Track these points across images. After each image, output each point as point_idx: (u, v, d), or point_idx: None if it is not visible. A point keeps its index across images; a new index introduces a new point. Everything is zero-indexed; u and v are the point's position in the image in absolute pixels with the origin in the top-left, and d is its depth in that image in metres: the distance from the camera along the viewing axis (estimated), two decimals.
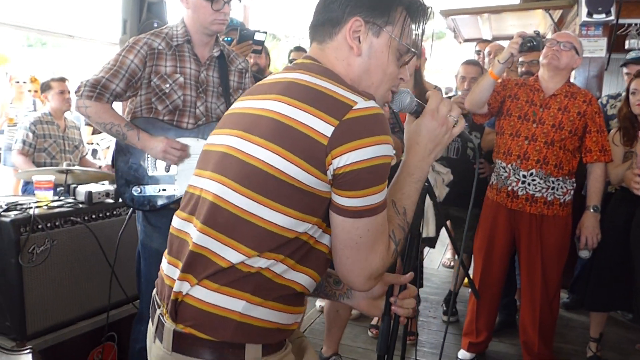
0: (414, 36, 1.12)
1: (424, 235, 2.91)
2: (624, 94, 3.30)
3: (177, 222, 1.13)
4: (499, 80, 2.71)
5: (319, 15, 1.11)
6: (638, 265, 2.47)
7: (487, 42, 5.19)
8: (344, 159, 0.93)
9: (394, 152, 1.02)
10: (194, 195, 1.10)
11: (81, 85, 2.02)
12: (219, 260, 1.00)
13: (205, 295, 1.01)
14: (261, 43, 2.76)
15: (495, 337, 3.19)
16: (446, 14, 5.13)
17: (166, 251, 1.16)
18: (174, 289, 1.04)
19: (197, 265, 1.02)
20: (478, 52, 4.99)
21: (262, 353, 1.02)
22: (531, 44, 2.51)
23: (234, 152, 1.01)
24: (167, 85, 2.07)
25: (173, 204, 2.11)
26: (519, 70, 3.57)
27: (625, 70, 3.53)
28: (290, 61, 2.67)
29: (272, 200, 0.97)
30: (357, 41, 1.07)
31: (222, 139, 1.07)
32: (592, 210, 2.68)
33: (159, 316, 1.08)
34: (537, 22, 5.95)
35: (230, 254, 0.99)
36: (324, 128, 0.94)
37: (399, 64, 1.12)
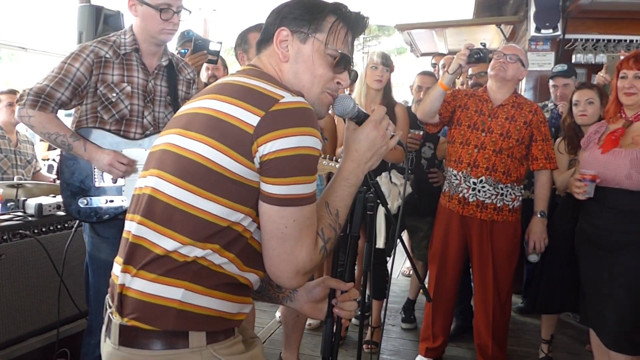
0: (346, 42, 1.19)
1: (378, 246, 2.96)
2: (550, 104, 3.46)
3: (126, 225, 1.16)
4: (449, 91, 2.80)
5: (262, 33, 1.22)
6: (583, 268, 2.56)
7: (442, 55, 5.35)
8: (269, 147, 0.99)
9: (321, 146, 1.06)
10: (137, 196, 1.15)
11: (24, 94, 1.96)
12: (155, 248, 1.04)
13: (143, 285, 1.04)
14: (216, 53, 2.77)
15: (452, 342, 3.26)
16: (401, 28, 5.27)
17: (117, 255, 1.18)
18: (118, 282, 1.08)
19: (136, 255, 1.06)
20: (434, 65, 5.13)
21: (206, 340, 1.04)
22: (478, 55, 2.62)
23: (172, 148, 1.08)
24: (114, 95, 2.04)
25: (121, 215, 2.08)
26: (469, 82, 3.69)
27: (552, 82, 3.68)
28: None
29: (204, 190, 1.01)
30: (285, 49, 1.16)
31: (163, 139, 1.13)
32: (539, 216, 2.79)
33: (108, 315, 1.11)
34: (491, 36, 6.17)
35: (166, 242, 1.03)
36: (250, 118, 1.00)
37: (332, 68, 1.17)
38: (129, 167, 2.03)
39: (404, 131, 3.04)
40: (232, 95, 1.05)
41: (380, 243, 2.96)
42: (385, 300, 3.30)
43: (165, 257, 1.03)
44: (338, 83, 1.20)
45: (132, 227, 1.11)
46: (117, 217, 2.08)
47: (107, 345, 1.10)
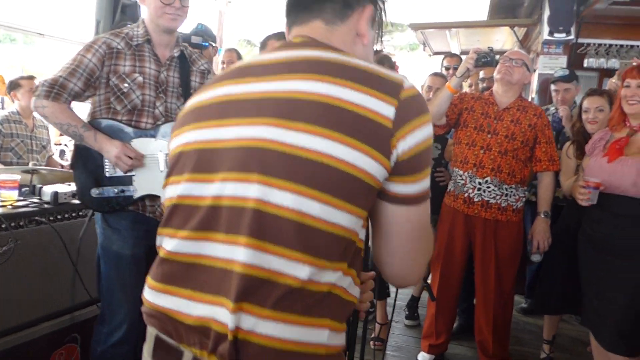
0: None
1: None
2: (552, 108, 3.48)
3: (174, 243, 0.91)
4: (457, 94, 2.85)
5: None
6: (584, 272, 2.59)
7: (455, 56, 5.37)
8: (408, 142, 0.84)
9: None
10: (201, 207, 0.88)
11: (39, 85, 2.01)
12: (284, 279, 0.81)
13: (279, 330, 0.81)
14: (198, 46, 2.79)
15: (455, 340, 3.30)
16: (415, 27, 5.29)
17: (160, 283, 0.92)
18: (229, 326, 0.81)
19: (256, 290, 0.82)
20: (447, 68, 5.15)
21: None
22: (485, 59, 2.66)
23: (275, 146, 0.83)
24: (126, 85, 2.06)
25: (132, 206, 2.12)
26: (480, 85, 3.73)
27: (553, 87, 3.70)
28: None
29: (338, 198, 0.82)
30: (367, 30, 1.00)
31: (242, 132, 0.87)
32: (543, 216, 2.83)
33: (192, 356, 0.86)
34: (504, 38, 6.16)
35: (298, 269, 0.81)
36: (384, 109, 0.83)
37: None
38: (136, 160, 2.06)
39: None
40: (349, 78, 0.85)
41: None
42: (390, 299, 3.38)
43: (301, 290, 0.82)
44: None
45: (232, 252, 0.84)
46: (127, 207, 2.11)
47: None
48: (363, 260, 0.94)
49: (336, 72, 0.85)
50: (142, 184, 2.11)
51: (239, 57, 3.69)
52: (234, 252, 0.83)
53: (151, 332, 0.93)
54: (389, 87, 0.85)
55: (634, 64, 2.99)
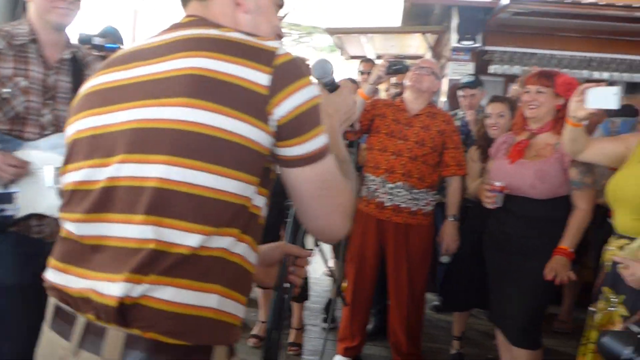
0: None
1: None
2: (460, 112, 3.64)
3: (72, 226, 0.95)
4: (369, 100, 2.90)
5: None
6: (490, 270, 2.71)
7: (369, 61, 5.49)
8: (285, 106, 0.89)
9: None
10: (94, 190, 0.92)
11: None
12: (177, 249, 0.86)
13: (172, 294, 0.86)
14: (100, 48, 2.66)
15: (370, 341, 3.36)
16: (331, 32, 5.36)
17: (60, 262, 0.96)
18: (116, 294, 0.85)
19: (150, 261, 0.86)
20: (362, 72, 5.25)
21: (227, 356, 0.92)
22: (396, 67, 2.73)
23: (154, 124, 0.88)
24: (6, 90, 1.80)
25: (14, 227, 1.84)
26: (393, 91, 3.83)
27: (460, 93, 3.88)
28: None
29: (221, 166, 0.86)
30: None
31: (124, 115, 0.92)
32: (451, 219, 2.95)
33: (85, 324, 0.90)
34: (417, 43, 6.38)
35: (190, 238, 0.86)
36: (259, 77, 0.88)
37: (278, 16, 1.13)
38: (20, 169, 1.79)
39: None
40: (223, 51, 0.90)
41: (310, 243, 3.01)
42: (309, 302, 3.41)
43: (191, 257, 0.86)
44: (277, 35, 1.15)
45: (113, 229, 0.89)
46: (7, 229, 1.82)
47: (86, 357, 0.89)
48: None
49: (211, 47, 0.90)
50: (27, 202, 1.84)
51: None
52: (130, 230, 0.87)
53: (52, 302, 0.98)
54: (262, 56, 0.89)
55: (534, 71, 3.18)
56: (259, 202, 0.94)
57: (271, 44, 0.92)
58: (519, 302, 2.49)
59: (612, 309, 2.01)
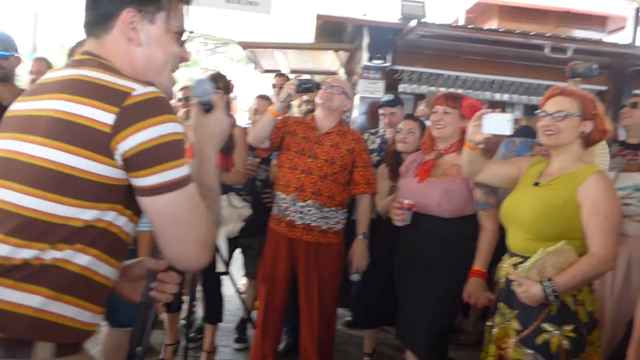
0: (182, 15, 1.21)
1: (217, 270, 2.94)
2: (381, 130, 3.72)
3: None
4: (280, 117, 2.88)
5: (91, 12, 1.14)
6: (399, 287, 2.76)
7: (283, 75, 5.50)
8: (129, 142, 0.98)
9: (182, 129, 1.07)
10: None
11: None
12: (11, 261, 0.98)
13: None
14: None
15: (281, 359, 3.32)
16: (244, 46, 5.32)
17: None
18: None
19: None
20: (274, 86, 5.25)
21: (56, 353, 1.00)
22: (306, 86, 2.74)
23: (16, 156, 1.02)
24: None
25: None
26: (305, 107, 3.84)
27: (380, 111, 3.97)
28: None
29: (60, 195, 0.98)
30: (135, 32, 1.11)
31: (1, 143, 1.06)
32: (361, 237, 2.98)
33: None
34: (331, 60, 6.46)
35: (22, 252, 0.98)
36: (104, 117, 0.98)
37: (178, 44, 1.19)
38: None
39: (243, 152, 3.06)
40: (78, 94, 1.01)
41: (220, 267, 2.94)
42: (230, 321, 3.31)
43: (23, 264, 0.98)
44: (182, 58, 1.24)
45: None
46: None
47: None
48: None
49: (70, 89, 1.02)
50: None
51: (49, 66, 3.36)
52: None
53: None
54: (113, 97, 1.00)
55: (440, 92, 3.30)
56: (121, 221, 1.05)
57: (130, 84, 1.02)
58: (426, 318, 2.55)
59: (508, 322, 2.11)
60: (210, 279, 3.11)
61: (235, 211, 3.03)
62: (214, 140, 1.25)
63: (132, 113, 0.99)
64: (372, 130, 4.00)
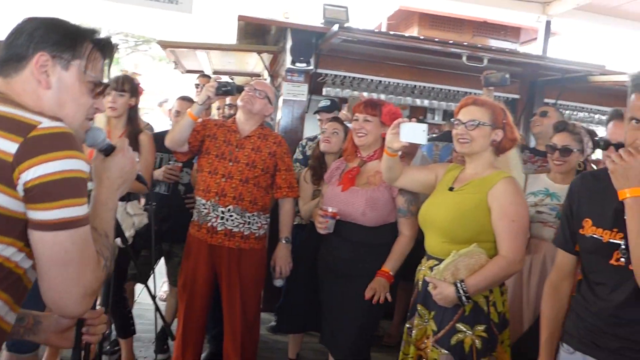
0: (102, 68, 1.22)
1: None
2: (319, 136, 3.74)
3: None
4: (199, 120, 2.81)
5: (5, 51, 1.14)
6: (322, 292, 2.76)
7: (206, 76, 5.38)
8: (32, 172, 0.97)
9: (88, 168, 1.06)
10: None
11: None
12: None
13: None
14: None
15: None
16: (164, 45, 5.15)
17: None
18: None
19: None
20: (197, 86, 5.13)
21: None
22: (225, 88, 2.69)
23: None
24: None
25: None
26: (227, 112, 3.78)
27: (318, 116, 4.01)
28: None
29: None
30: (45, 75, 1.11)
31: None
32: (284, 242, 2.96)
33: None
34: (255, 61, 6.40)
35: None
36: (7, 146, 0.98)
37: (92, 95, 1.19)
38: None
39: (149, 160, 2.93)
40: None
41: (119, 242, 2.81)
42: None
43: None
44: (96, 109, 1.24)
45: None
46: None
47: None
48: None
49: None
50: None
51: None
52: None
53: None
54: (18, 128, 1.00)
55: (361, 98, 3.34)
56: (26, 263, 1.04)
57: (37, 118, 1.02)
58: (347, 322, 2.58)
59: (426, 323, 2.17)
60: (113, 292, 2.96)
61: (128, 219, 2.90)
62: (115, 185, 1.24)
63: (36, 145, 0.98)
64: (311, 136, 4.00)
